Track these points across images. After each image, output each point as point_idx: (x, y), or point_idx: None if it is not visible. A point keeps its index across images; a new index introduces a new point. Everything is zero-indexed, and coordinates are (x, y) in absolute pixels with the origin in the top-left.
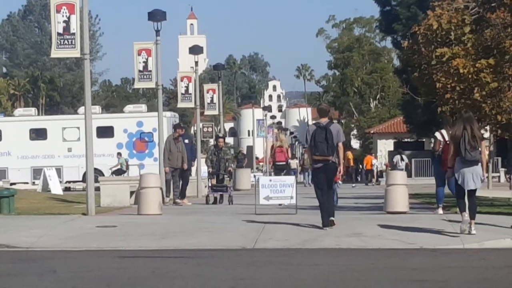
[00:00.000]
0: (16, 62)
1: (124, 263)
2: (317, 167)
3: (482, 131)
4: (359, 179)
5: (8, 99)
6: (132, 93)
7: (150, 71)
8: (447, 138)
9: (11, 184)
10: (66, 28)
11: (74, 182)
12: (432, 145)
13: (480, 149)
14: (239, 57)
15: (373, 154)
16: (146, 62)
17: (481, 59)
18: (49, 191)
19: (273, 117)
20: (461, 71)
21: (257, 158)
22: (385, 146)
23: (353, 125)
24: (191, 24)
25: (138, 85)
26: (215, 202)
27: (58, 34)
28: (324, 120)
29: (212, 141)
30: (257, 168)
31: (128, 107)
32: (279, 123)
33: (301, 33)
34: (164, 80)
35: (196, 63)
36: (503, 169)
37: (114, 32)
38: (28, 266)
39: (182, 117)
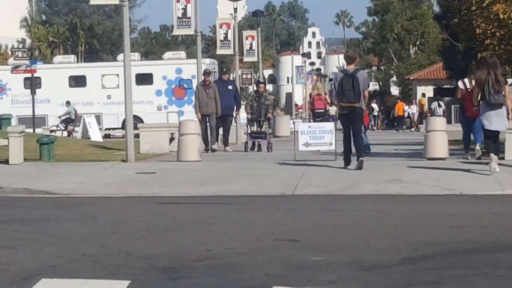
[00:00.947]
0: (55, 10)
1: (163, 209)
2: (344, 113)
3: None
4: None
5: (47, 46)
6: (171, 40)
7: (189, 17)
8: (468, 86)
9: (51, 131)
10: None
11: (113, 129)
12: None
13: (504, 92)
14: (278, 3)
15: (414, 100)
16: (185, 9)
17: None
18: (89, 138)
19: (312, 63)
20: (501, 16)
21: (296, 105)
22: (425, 92)
23: (392, 72)
24: None
25: (177, 31)
26: (253, 149)
27: None
28: (350, 67)
29: (251, 88)
30: (296, 114)
31: (167, 54)
32: (318, 69)
33: None
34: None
35: (235, 9)
36: None
37: None
38: (68, 212)
39: (221, 64)
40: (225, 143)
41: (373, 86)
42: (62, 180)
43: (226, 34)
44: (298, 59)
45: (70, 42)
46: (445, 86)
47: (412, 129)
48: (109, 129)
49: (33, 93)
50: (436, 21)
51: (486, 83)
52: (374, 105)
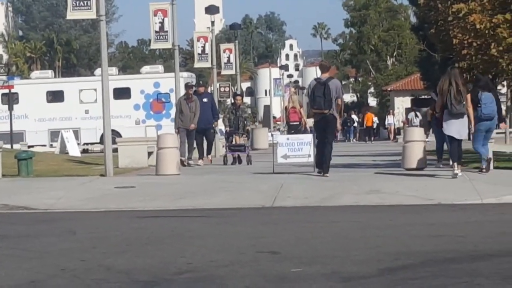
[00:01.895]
0: (32, 25)
1: (143, 223)
2: (317, 120)
3: (499, 87)
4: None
5: (24, 62)
6: (149, 54)
7: (167, 31)
8: None
9: (29, 147)
10: None
11: (91, 144)
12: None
13: (465, 102)
14: (255, 16)
15: (391, 110)
16: (162, 23)
17: (497, 14)
18: (67, 153)
19: (290, 76)
20: (477, 26)
21: (274, 117)
22: (402, 103)
23: (370, 83)
24: None
25: (154, 45)
26: (234, 163)
27: None
28: (324, 76)
29: (229, 101)
30: (274, 127)
31: (145, 68)
32: (296, 82)
33: None
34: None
35: (213, 23)
36: None
37: None
38: (48, 227)
39: (199, 77)
40: (207, 153)
41: (351, 97)
42: (41, 196)
43: (203, 47)
44: (276, 72)
45: (47, 57)
46: (423, 97)
47: (390, 140)
48: (87, 143)
49: (10, 108)
50: (413, 32)
51: (448, 93)
52: (354, 117)
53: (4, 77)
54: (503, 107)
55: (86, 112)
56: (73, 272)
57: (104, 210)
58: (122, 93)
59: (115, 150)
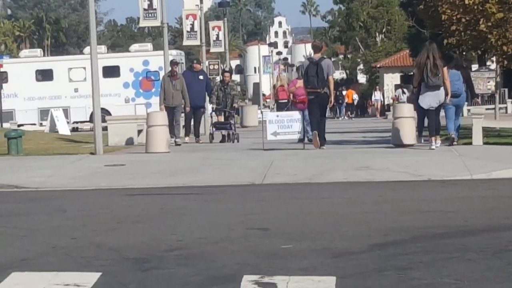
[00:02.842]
0: (21, 4)
1: (133, 201)
2: (310, 98)
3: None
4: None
5: (13, 41)
6: (138, 32)
7: (155, 9)
8: None
9: (19, 125)
10: None
11: (81, 122)
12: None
13: (441, 75)
14: None
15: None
16: (151, 1)
17: None
18: (57, 131)
19: (279, 53)
20: (466, 2)
21: (264, 95)
22: (391, 80)
23: (359, 60)
24: None
25: (143, 23)
26: (223, 141)
27: None
28: (317, 56)
29: (218, 78)
30: (264, 104)
31: (134, 46)
32: (285, 59)
33: None
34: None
35: (201, 0)
36: (510, 100)
37: None
38: (38, 205)
39: (188, 55)
40: (197, 134)
41: (340, 74)
42: (31, 174)
43: (192, 25)
44: (265, 49)
45: (36, 36)
46: (412, 73)
47: (378, 116)
48: (77, 122)
49: (0, 88)
50: (402, 8)
51: (425, 66)
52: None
53: None
54: (493, 83)
55: (76, 90)
56: (64, 250)
57: (94, 188)
58: (112, 72)
59: (105, 129)
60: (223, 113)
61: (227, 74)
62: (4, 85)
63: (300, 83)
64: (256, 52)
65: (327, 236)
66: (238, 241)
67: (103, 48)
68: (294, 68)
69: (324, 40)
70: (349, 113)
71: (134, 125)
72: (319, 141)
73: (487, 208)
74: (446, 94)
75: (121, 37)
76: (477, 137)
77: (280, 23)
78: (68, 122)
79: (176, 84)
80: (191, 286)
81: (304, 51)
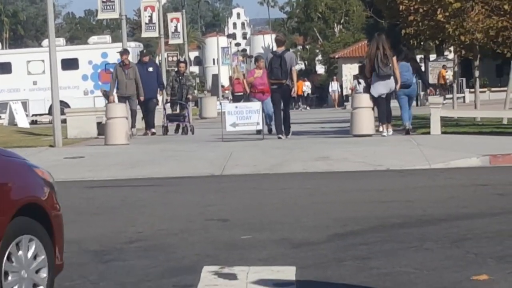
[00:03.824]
0: None
1: (92, 193)
2: (274, 88)
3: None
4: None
5: None
6: (96, 24)
7: (113, 1)
8: None
9: None
10: None
11: (40, 115)
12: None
13: (391, 65)
14: None
15: (335, 77)
16: None
17: None
18: (16, 124)
19: (237, 44)
20: None
21: (222, 86)
22: (350, 70)
23: (317, 51)
24: None
25: (101, 16)
26: (177, 131)
27: None
28: (280, 49)
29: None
30: (222, 96)
31: (92, 39)
32: (244, 50)
33: None
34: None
35: None
36: (467, 89)
37: None
38: None
39: (146, 47)
40: (151, 125)
41: (299, 65)
42: None
43: (151, 17)
44: (223, 41)
45: None
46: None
47: (336, 107)
48: (36, 115)
49: None
50: None
51: (376, 57)
52: (308, 83)
53: None
54: (450, 72)
55: (34, 83)
56: None
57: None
58: (70, 64)
59: (64, 121)
60: (178, 105)
61: (182, 65)
62: None
63: (258, 72)
64: (214, 44)
65: (286, 227)
66: (197, 232)
67: (61, 40)
68: (253, 59)
69: (282, 31)
70: (299, 103)
71: (93, 117)
72: (285, 131)
73: (445, 198)
74: (396, 83)
75: (79, 29)
76: (435, 126)
77: (238, 14)
78: (27, 115)
79: (129, 73)
80: (151, 277)
81: (262, 42)
